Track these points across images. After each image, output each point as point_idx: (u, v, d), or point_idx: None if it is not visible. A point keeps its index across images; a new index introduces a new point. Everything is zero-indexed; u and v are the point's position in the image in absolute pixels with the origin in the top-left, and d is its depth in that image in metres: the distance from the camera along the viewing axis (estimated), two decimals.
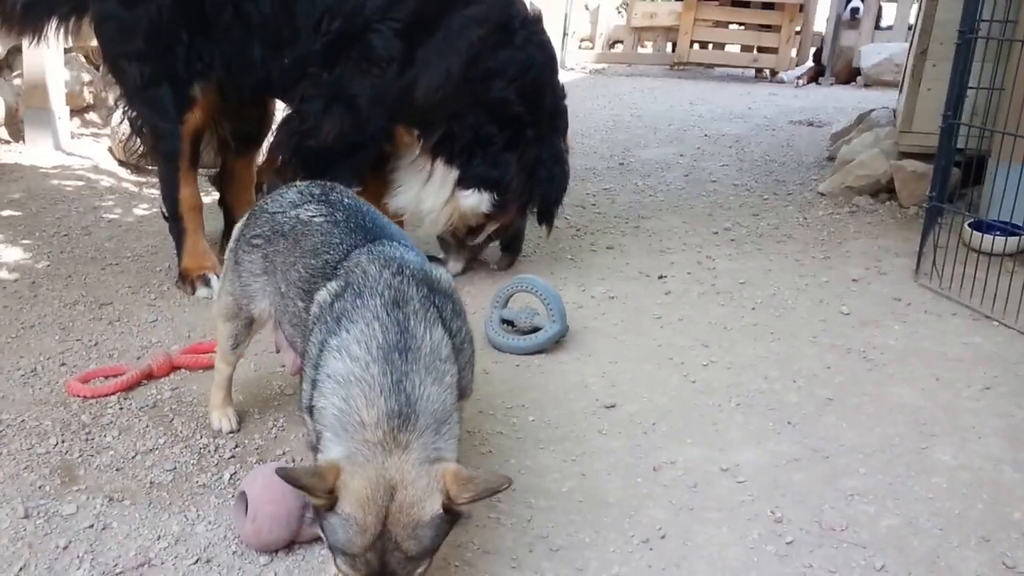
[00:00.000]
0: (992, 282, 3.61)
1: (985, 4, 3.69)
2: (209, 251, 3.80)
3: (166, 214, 3.79)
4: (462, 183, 3.61)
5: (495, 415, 2.83)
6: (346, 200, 2.30)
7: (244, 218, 2.50)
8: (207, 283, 3.66)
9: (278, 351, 2.65)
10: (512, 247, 3.98)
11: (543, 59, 3.60)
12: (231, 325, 2.50)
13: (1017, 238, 4.07)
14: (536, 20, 3.60)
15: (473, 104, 3.53)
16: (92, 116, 6.16)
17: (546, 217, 3.77)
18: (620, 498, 2.43)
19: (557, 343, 3.26)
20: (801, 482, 2.51)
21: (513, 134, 3.57)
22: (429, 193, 3.67)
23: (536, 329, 3.25)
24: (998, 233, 4.07)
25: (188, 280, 3.69)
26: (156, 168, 3.84)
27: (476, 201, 3.65)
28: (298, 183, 2.45)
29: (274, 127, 3.98)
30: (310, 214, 2.24)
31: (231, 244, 2.49)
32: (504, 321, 3.32)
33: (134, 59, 3.62)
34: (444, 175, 3.62)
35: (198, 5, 3.57)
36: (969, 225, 4.17)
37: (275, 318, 2.41)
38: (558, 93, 3.67)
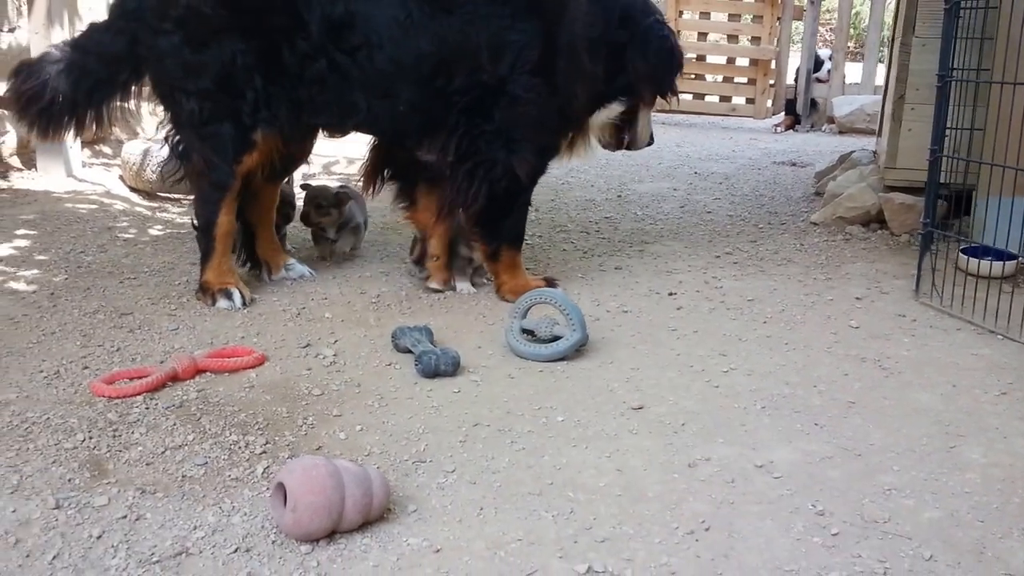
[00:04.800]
0: (992, 302, 3.57)
1: (958, 54, 3.87)
2: (233, 270, 3.65)
3: (196, 226, 3.62)
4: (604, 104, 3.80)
5: (524, 415, 2.70)
6: None
7: None
8: (229, 296, 3.52)
9: None
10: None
11: None
12: None
13: (1008, 263, 4.05)
14: None
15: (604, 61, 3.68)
16: (102, 147, 6.04)
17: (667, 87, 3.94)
18: (659, 492, 2.31)
19: (578, 351, 3.15)
20: (838, 478, 2.40)
21: (621, 50, 3.72)
22: (592, 143, 3.90)
23: (556, 338, 3.14)
24: (990, 258, 4.06)
25: (209, 292, 3.54)
26: (197, 189, 3.59)
27: (606, 114, 3.83)
28: None
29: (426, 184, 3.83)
30: None
31: None
32: (524, 331, 3.21)
33: (195, 96, 3.42)
34: (596, 118, 3.82)
35: (276, 55, 3.41)
36: (961, 251, 4.16)
37: None
38: None
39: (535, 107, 3.53)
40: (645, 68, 3.73)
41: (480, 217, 3.65)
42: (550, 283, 3.78)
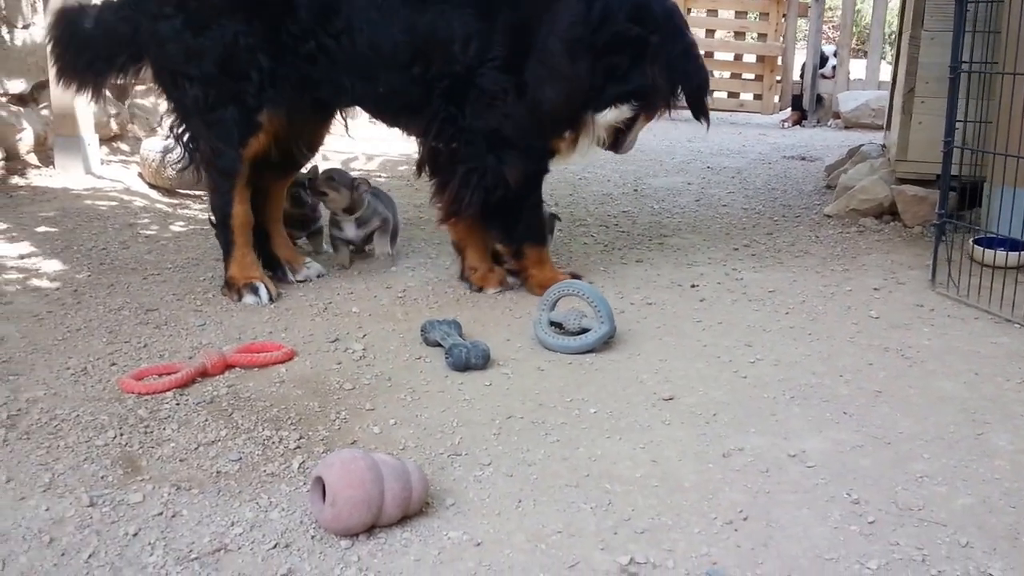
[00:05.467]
0: (1008, 291, 3.54)
1: (967, 47, 3.86)
2: (256, 263, 3.60)
3: (214, 222, 3.58)
4: (600, 107, 3.58)
5: (556, 407, 2.66)
6: None
7: None
8: (255, 291, 3.48)
9: None
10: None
11: None
12: None
13: (1019, 253, 4.01)
14: None
15: (597, 62, 3.46)
16: (120, 145, 5.99)
17: (697, 106, 3.79)
18: (696, 483, 2.27)
19: (606, 343, 3.10)
20: (870, 466, 2.36)
21: (636, 51, 3.49)
22: (591, 146, 3.72)
23: (584, 330, 3.10)
24: (1002, 248, 4.02)
25: (234, 288, 3.50)
26: (208, 180, 3.56)
27: (614, 116, 3.61)
28: None
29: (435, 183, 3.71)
30: None
31: None
32: (552, 323, 3.17)
33: (198, 81, 3.37)
34: (595, 121, 3.61)
35: (276, 33, 3.37)
36: (974, 241, 4.12)
37: None
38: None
39: (506, 104, 3.42)
40: (665, 85, 3.56)
41: (491, 220, 3.60)
42: (575, 277, 3.72)
